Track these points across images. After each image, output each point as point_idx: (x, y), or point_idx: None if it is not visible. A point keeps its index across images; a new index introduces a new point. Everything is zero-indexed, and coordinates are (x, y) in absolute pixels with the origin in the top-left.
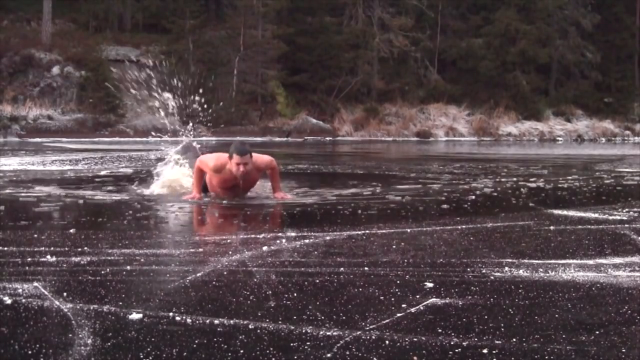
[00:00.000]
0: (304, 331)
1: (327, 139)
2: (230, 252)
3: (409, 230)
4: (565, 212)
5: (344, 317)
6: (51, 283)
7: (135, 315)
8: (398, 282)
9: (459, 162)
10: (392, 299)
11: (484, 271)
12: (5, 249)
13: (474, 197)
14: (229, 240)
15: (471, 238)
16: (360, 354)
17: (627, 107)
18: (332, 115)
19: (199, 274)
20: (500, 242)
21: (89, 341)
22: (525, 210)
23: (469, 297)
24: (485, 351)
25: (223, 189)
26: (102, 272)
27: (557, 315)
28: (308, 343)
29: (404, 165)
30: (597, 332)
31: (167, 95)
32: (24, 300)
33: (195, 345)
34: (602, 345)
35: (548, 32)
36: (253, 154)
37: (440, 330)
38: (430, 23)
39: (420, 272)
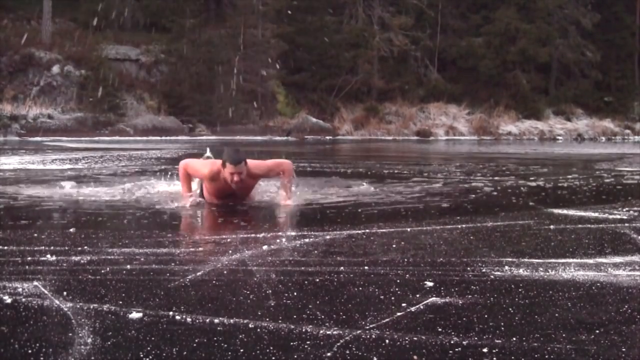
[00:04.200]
0: (304, 330)
1: (327, 138)
2: (230, 251)
3: (409, 229)
4: (565, 211)
5: (344, 316)
6: (51, 282)
7: (135, 315)
8: (398, 281)
9: (459, 161)
10: (392, 298)
11: (484, 270)
12: (5, 248)
13: (474, 196)
14: (229, 240)
15: (471, 237)
16: (360, 353)
17: (627, 106)
18: (332, 114)
19: (199, 273)
20: (500, 241)
21: (89, 340)
22: (525, 209)
23: (469, 296)
24: (485, 350)
25: (218, 198)
26: (102, 271)
27: (557, 315)
28: (308, 342)
29: (404, 165)
30: (597, 331)
31: None
32: (24, 300)
33: (195, 345)
34: (602, 344)
35: (548, 31)
36: (258, 161)
37: (440, 330)
38: (430, 22)
39: (420, 271)
